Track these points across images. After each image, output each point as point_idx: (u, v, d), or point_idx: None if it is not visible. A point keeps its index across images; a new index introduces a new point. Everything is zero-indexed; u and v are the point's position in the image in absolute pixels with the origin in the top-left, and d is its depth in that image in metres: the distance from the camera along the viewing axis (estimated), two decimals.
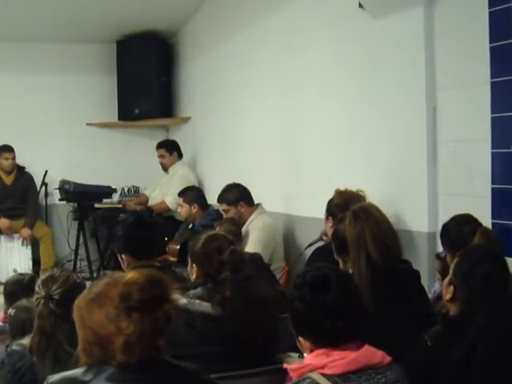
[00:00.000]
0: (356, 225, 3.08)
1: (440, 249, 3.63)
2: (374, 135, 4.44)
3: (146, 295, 1.87)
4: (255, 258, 3.96)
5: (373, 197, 4.11)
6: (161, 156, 7.67)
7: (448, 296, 2.54)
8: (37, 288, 2.69)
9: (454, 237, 3.18)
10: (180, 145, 7.74)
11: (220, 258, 3.02)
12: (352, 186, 4.23)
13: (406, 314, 2.91)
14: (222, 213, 5.64)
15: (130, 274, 1.94)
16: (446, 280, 2.59)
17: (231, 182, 5.63)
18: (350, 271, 3.13)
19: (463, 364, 2.32)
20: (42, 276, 2.77)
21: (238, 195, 5.49)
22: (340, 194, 4.23)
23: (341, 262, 3.25)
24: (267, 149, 6.11)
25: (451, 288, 2.53)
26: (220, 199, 5.57)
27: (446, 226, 3.30)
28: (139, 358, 1.88)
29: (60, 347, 2.51)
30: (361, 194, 4.18)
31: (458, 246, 2.93)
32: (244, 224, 5.37)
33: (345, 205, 4.15)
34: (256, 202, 5.55)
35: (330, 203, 4.28)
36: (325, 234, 4.40)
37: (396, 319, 2.85)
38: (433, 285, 3.66)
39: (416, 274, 3.22)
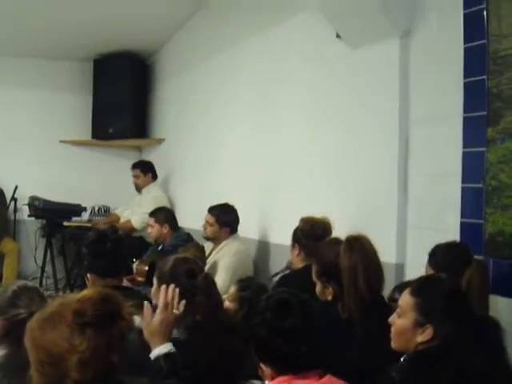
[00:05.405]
0: (351, 256, 3.05)
1: (408, 278, 3.63)
2: (347, 165, 4.45)
3: (100, 311, 1.87)
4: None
5: (343, 226, 4.10)
6: (135, 176, 7.63)
7: (425, 337, 2.37)
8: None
9: (439, 260, 3.09)
10: None
11: (192, 282, 2.98)
12: (322, 214, 4.23)
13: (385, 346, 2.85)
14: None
15: (84, 292, 1.94)
16: (409, 322, 2.43)
17: (229, 203, 5.48)
18: (329, 297, 3.17)
19: None
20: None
21: (231, 220, 5.42)
22: (305, 220, 4.26)
23: (319, 285, 3.25)
24: (241, 174, 6.10)
25: (427, 329, 2.37)
26: (213, 212, 5.41)
27: (437, 247, 3.17)
28: (94, 376, 1.85)
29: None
30: (326, 220, 4.18)
31: (441, 269, 2.92)
32: (215, 248, 5.36)
33: (310, 231, 4.18)
34: None
35: (295, 231, 4.30)
36: (291, 262, 4.39)
37: (378, 351, 2.80)
38: None
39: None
